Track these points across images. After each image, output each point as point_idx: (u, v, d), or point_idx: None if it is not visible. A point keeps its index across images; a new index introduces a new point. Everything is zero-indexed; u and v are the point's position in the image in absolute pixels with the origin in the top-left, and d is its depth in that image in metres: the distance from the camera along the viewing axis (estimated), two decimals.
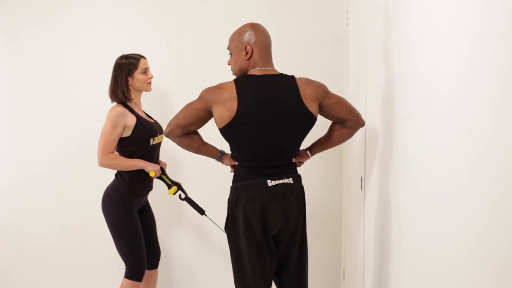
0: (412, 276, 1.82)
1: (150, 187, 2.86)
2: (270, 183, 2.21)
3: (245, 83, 2.21)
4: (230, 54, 2.32)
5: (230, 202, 2.28)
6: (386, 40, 2.19)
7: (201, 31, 3.33)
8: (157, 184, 2.89)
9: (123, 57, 2.80)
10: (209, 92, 2.23)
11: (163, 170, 2.81)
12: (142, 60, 2.80)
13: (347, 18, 3.20)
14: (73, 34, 3.35)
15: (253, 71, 2.24)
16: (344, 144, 3.23)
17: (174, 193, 2.83)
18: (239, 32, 2.28)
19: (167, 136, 2.35)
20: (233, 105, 2.17)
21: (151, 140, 2.77)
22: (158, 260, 2.98)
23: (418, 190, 1.73)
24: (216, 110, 2.21)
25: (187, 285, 3.47)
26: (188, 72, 3.35)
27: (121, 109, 2.71)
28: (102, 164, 2.70)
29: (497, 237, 1.16)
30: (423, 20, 1.67)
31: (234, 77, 2.33)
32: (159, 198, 3.06)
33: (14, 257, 3.46)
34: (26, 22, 3.36)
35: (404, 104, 1.92)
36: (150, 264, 2.91)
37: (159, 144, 2.86)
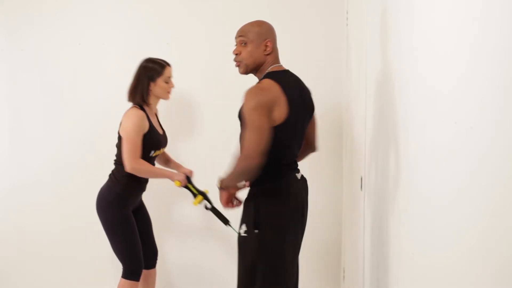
0: (412, 276, 1.82)
1: (144, 188, 2.85)
2: (298, 175, 2.27)
3: (282, 79, 2.17)
4: (245, 43, 2.22)
5: (263, 202, 2.16)
6: (386, 40, 2.19)
7: (201, 31, 3.33)
8: (151, 185, 2.88)
9: (150, 60, 2.77)
10: (260, 96, 2.09)
11: (188, 179, 2.75)
12: (167, 68, 2.77)
13: (347, 18, 3.20)
14: (73, 34, 3.35)
15: (275, 68, 2.23)
16: (344, 144, 3.23)
17: (199, 203, 2.74)
18: (259, 25, 2.24)
19: (254, 169, 2.05)
20: (284, 101, 2.12)
21: (152, 152, 2.75)
22: (156, 259, 2.98)
23: (418, 190, 1.73)
24: (276, 111, 2.11)
25: (185, 284, 3.47)
26: (188, 72, 3.35)
27: (142, 112, 2.70)
28: (133, 169, 2.65)
29: (497, 237, 1.16)
30: (423, 20, 1.67)
31: (234, 68, 2.30)
32: (155, 197, 3.06)
33: (14, 257, 3.46)
34: (26, 22, 3.36)
35: (404, 104, 1.92)
36: (148, 264, 2.91)
37: (157, 156, 2.84)
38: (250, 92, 2.11)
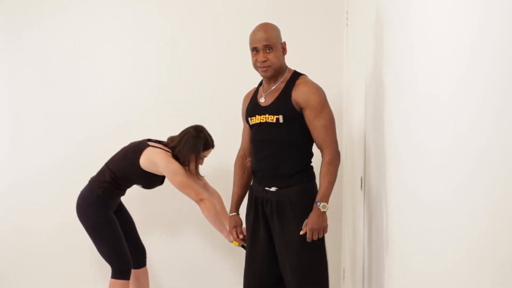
0: (412, 276, 1.82)
1: (123, 193, 2.88)
2: None
3: None
4: (270, 48, 2.26)
5: None
6: (385, 40, 2.19)
7: (200, 31, 3.33)
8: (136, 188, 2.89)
9: (204, 134, 2.83)
10: (323, 90, 2.29)
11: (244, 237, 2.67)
12: (210, 150, 2.87)
13: (347, 18, 3.20)
14: (73, 34, 3.35)
15: (290, 68, 2.36)
16: (344, 144, 3.23)
17: None
18: (275, 29, 2.32)
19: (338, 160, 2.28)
20: None
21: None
22: (145, 258, 2.98)
23: (418, 189, 1.73)
24: None
25: (177, 283, 3.46)
26: (188, 72, 3.35)
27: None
28: (203, 202, 2.68)
29: (498, 237, 1.16)
30: (423, 20, 1.67)
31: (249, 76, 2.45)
32: (142, 197, 3.05)
33: (14, 257, 3.46)
34: (26, 22, 3.36)
35: (404, 103, 1.92)
36: (137, 263, 2.91)
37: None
38: (315, 86, 2.27)
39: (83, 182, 3.36)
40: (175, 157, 2.77)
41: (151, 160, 2.70)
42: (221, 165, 3.32)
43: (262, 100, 2.34)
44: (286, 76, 2.32)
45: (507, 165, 1.11)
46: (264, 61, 2.26)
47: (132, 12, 3.35)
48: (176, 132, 3.00)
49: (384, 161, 2.21)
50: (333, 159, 2.22)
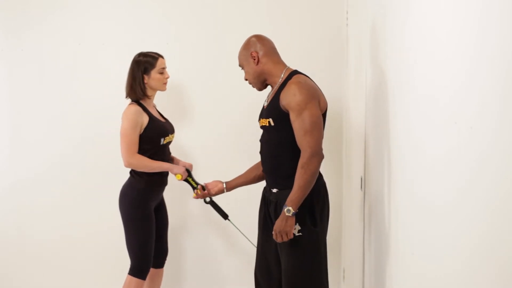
0: (412, 277, 1.82)
1: (165, 182, 2.84)
2: None
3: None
4: (242, 67, 2.37)
5: (314, 198, 2.22)
6: (386, 41, 2.19)
7: (201, 31, 3.33)
8: (171, 182, 2.88)
9: (142, 54, 2.76)
10: (310, 88, 2.19)
11: (189, 172, 2.75)
12: (160, 59, 2.76)
13: (347, 18, 3.20)
14: (73, 34, 3.34)
15: (289, 69, 2.31)
16: (344, 144, 3.23)
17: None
18: (242, 46, 2.37)
19: (319, 165, 2.16)
20: (321, 93, 2.25)
21: (162, 139, 2.75)
22: (165, 259, 2.97)
23: (419, 190, 1.73)
24: (320, 103, 2.22)
25: (192, 285, 3.46)
26: (188, 72, 3.35)
27: (138, 107, 2.70)
28: (130, 164, 2.67)
29: (498, 238, 1.16)
30: (424, 20, 1.68)
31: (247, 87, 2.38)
32: (168, 197, 3.04)
33: (14, 258, 3.45)
34: (26, 22, 3.35)
35: (404, 103, 1.92)
36: (156, 263, 2.90)
37: (169, 143, 2.84)
38: (300, 86, 2.16)
39: (84, 182, 3.37)
40: (140, 94, 2.71)
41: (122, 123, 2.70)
42: (223, 166, 3.32)
43: (265, 104, 2.38)
44: (283, 77, 2.28)
45: (507, 165, 1.11)
46: (246, 80, 2.39)
47: (132, 12, 3.35)
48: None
49: (384, 161, 2.21)
50: (306, 163, 2.11)
